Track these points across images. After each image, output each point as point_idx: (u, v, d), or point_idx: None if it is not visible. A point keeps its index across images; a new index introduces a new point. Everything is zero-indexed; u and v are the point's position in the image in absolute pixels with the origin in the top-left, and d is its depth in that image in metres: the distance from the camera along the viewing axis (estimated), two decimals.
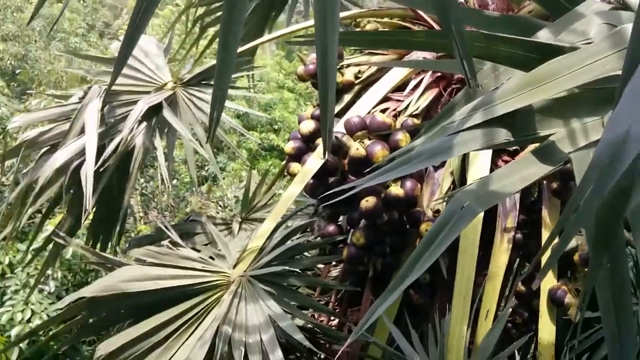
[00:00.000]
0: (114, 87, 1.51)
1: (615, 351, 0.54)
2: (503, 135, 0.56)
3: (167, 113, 1.42)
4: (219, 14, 2.17)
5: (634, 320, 0.54)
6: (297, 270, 1.23)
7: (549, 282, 1.16)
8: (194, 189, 4.81)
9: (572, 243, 1.13)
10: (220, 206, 4.67)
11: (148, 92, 1.52)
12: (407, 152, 0.58)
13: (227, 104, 1.63)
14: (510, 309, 1.24)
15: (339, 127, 1.21)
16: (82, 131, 1.42)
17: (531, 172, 0.55)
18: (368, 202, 1.11)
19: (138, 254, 1.26)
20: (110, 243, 1.69)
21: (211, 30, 2.26)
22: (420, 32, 0.63)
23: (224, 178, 5.42)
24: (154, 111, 1.47)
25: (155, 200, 4.49)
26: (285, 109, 7.15)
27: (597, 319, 1.34)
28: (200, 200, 4.63)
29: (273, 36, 1.46)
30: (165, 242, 1.31)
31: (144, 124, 1.46)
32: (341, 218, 1.37)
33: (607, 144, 0.36)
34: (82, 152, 1.40)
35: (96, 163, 1.37)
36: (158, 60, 1.65)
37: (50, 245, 1.65)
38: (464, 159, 1.22)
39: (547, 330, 1.11)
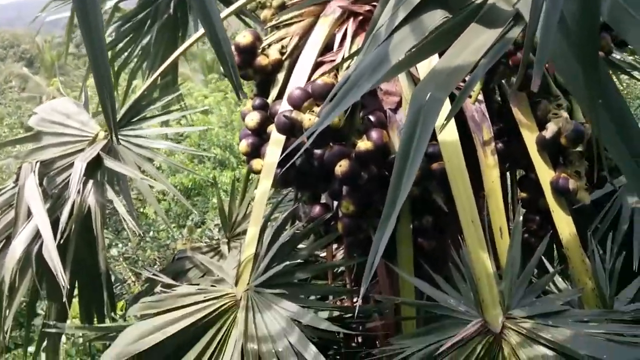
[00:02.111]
0: (45, 157, 1.42)
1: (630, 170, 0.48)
2: (439, 16, 0.50)
3: (108, 162, 1.34)
4: (125, 54, 2.11)
5: None
6: (299, 260, 1.17)
7: (547, 176, 1.12)
8: (174, 235, 4.69)
9: (554, 128, 1.09)
10: (207, 242, 4.57)
11: (82, 150, 1.43)
12: (347, 80, 0.52)
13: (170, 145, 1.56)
14: (521, 218, 1.20)
15: (284, 107, 1.15)
16: (29, 213, 1.33)
17: (483, 40, 0.49)
18: (342, 166, 1.05)
19: (135, 311, 1.19)
20: (105, 312, 1.60)
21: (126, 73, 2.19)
22: None
23: (207, 220, 5.27)
24: (96, 165, 1.38)
25: (140, 259, 4.36)
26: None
27: (606, 196, 1.31)
28: (184, 243, 4.51)
29: (182, 48, 1.39)
30: (158, 289, 1.23)
31: (90, 182, 1.37)
32: (323, 197, 1.32)
33: None
34: (38, 234, 1.31)
35: (55, 238, 1.28)
36: (81, 117, 1.56)
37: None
38: None
39: (564, 223, 1.07)
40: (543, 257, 1.14)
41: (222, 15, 1.45)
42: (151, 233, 4.65)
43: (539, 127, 1.13)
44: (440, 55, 0.55)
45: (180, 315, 1.10)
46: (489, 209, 1.12)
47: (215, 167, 5.79)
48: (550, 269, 1.21)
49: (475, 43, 0.49)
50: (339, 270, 1.57)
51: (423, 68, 1.13)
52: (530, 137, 1.14)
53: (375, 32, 0.52)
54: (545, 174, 1.11)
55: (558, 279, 1.18)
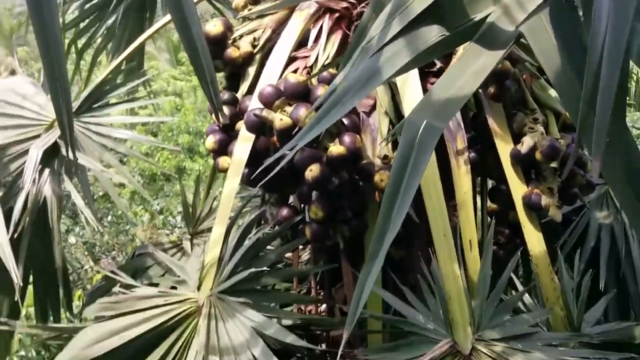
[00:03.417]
0: None
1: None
2: (435, 32, 0.46)
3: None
4: (89, 34, 1.99)
5: None
6: (265, 268, 1.11)
7: (519, 190, 1.09)
8: (135, 221, 4.53)
9: (530, 142, 1.06)
10: (169, 229, 4.46)
11: (38, 135, 1.33)
12: (332, 94, 0.47)
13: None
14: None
15: (254, 104, 1.08)
16: None
17: (483, 63, 0.45)
18: (312, 170, 1.00)
19: (92, 311, 1.12)
20: (62, 307, 1.51)
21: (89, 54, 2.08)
22: None
23: (171, 206, 5.08)
24: (52, 153, 1.29)
25: (98, 244, 4.22)
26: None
27: (574, 212, 1.30)
28: (145, 230, 4.38)
29: (149, 32, 1.31)
30: (116, 288, 1.16)
31: (47, 170, 1.28)
32: (292, 198, 1.26)
33: None
34: None
35: (8, 230, 1.19)
36: (39, 99, 1.46)
37: None
38: (393, 95, 1.13)
39: (535, 240, 1.05)
40: (513, 275, 1.12)
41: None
42: (109, 217, 4.49)
43: (514, 139, 1.11)
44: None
45: (139, 319, 1.04)
46: (460, 220, 1.09)
47: (186, 154, 5.58)
48: (519, 286, 1.19)
49: (474, 66, 0.45)
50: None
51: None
52: (504, 149, 1.11)
53: (366, 44, 0.47)
54: (517, 188, 1.09)
55: (525, 295, 1.16)
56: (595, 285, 1.16)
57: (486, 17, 0.46)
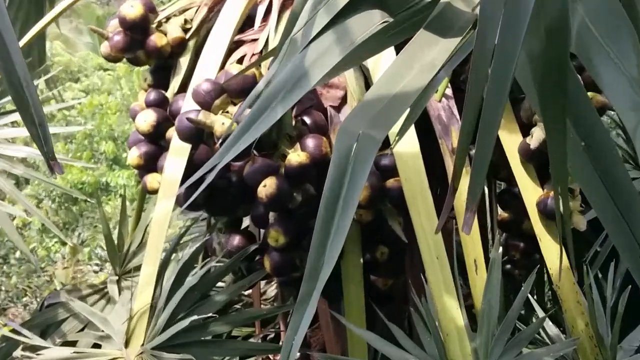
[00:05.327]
0: None
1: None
2: (377, 18, 0.49)
3: None
4: None
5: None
6: (213, 315, 1.15)
7: (532, 194, 1.14)
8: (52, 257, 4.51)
9: (540, 135, 1.11)
10: (97, 264, 4.43)
11: None
12: (257, 98, 0.50)
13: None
14: (501, 247, 1.22)
15: (188, 104, 1.12)
16: None
17: (435, 55, 0.48)
18: (267, 186, 1.03)
19: None
20: None
21: None
22: None
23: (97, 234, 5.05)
24: None
25: (4, 289, 4.18)
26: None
27: None
28: (66, 267, 4.35)
29: (52, 15, 1.33)
30: (18, 353, 1.18)
31: None
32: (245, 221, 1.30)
33: None
34: None
35: None
36: None
37: None
38: (367, 81, 1.17)
39: (553, 253, 1.09)
40: (530, 296, 1.16)
41: None
42: (17, 254, 4.40)
43: (522, 131, 1.15)
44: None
45: None
46: (460, 235, 1.13)
47: (111, 166, 5.52)
48: (539, 310, 1.24)
49: (425, 58, 0.48)
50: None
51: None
52: (511, 144, 1.15)
53: (294, 36, 0.50)
54: (530, 191, 1.12)
55: (548, 323, 1.20)
56: (635, 304, 1.20)
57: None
